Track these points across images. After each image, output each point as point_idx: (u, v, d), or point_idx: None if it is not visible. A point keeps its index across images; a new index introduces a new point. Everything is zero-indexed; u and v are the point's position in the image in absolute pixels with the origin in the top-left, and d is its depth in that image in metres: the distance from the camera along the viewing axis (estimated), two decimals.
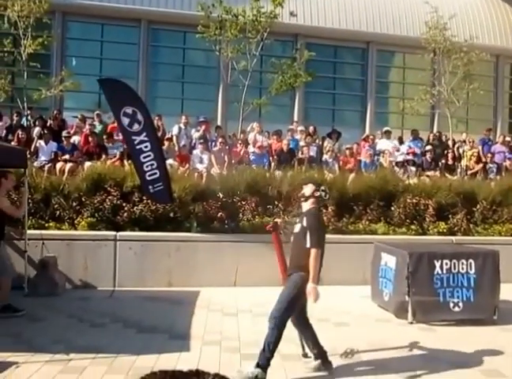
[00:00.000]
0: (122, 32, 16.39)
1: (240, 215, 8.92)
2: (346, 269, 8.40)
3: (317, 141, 12.84)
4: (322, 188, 4.82)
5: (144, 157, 6.88)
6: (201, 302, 7.27)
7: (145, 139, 6.95)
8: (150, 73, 16.55)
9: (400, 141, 13.79)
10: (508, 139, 14.19)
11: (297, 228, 4.69)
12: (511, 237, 9.70)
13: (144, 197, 8.32)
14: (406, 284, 6.52)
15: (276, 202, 9.19)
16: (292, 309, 4.48)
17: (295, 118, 16.50)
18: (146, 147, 6.90)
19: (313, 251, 4.39)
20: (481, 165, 12.72)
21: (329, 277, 8.38)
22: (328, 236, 8.87)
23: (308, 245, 4.43)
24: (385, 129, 13.86)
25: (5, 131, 11.19)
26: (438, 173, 11.83)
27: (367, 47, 18.12)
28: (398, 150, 13.00)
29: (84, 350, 5.08)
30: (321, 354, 4.72)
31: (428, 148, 12.85)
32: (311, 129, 13.51)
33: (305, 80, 13.02)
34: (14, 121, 11.73)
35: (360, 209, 9.50)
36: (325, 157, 11.67)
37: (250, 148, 11.72)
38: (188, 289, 7.85)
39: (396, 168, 11.70)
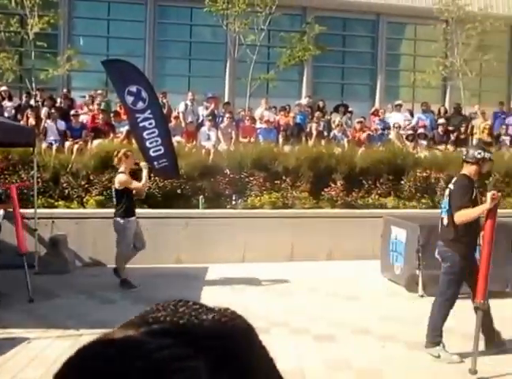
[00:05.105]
0: (129, 10, 16.14)
1: (248, 190, 8.88)
2: (356, 243, 8.34)
3: (325, 116, 12.68)
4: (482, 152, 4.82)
5: (148, 134, 6.84)
6: (209, 278, 7.29)
7: (150, 116, 6.91)
8: (157, 51, 16.35)
9: (411, 114, 13.54)
10: None
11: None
12: None
13: (152, 174, 8.30)
14: (417, 257, 6.47)
15: (284, 177, 9.14)
16: (453, 290, 4.54)
17: (304, 93, 16.27)
18: (150, 124, 6.86)
19: (455, 216, 4.42)
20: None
21: (339, 251, 8.40)
22: (336, 211, 9.05)
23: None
24: (397, 102, 13.59)
25: (14, 111, 11.21)
26: (450, 146, 11.62)
27: (377, 19, 17.68)
28: (409, 123, 12.78)
29: (95, 326, 5.13)
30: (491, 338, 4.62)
31: (441, 121, 12.58)
32: (320, 103, 13.33)
33: (314, 54, 12.80)
34: (23, 102, 11.73)
35: (370, 183, 9.44)
36: (334, 131, 11.53)
37: (258, 124, 11.60)
38: (197, 265, 7.86)
39: (406, 142, 11.52)
